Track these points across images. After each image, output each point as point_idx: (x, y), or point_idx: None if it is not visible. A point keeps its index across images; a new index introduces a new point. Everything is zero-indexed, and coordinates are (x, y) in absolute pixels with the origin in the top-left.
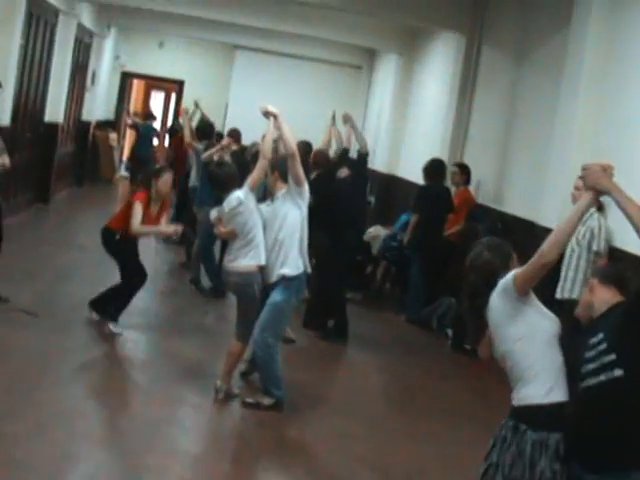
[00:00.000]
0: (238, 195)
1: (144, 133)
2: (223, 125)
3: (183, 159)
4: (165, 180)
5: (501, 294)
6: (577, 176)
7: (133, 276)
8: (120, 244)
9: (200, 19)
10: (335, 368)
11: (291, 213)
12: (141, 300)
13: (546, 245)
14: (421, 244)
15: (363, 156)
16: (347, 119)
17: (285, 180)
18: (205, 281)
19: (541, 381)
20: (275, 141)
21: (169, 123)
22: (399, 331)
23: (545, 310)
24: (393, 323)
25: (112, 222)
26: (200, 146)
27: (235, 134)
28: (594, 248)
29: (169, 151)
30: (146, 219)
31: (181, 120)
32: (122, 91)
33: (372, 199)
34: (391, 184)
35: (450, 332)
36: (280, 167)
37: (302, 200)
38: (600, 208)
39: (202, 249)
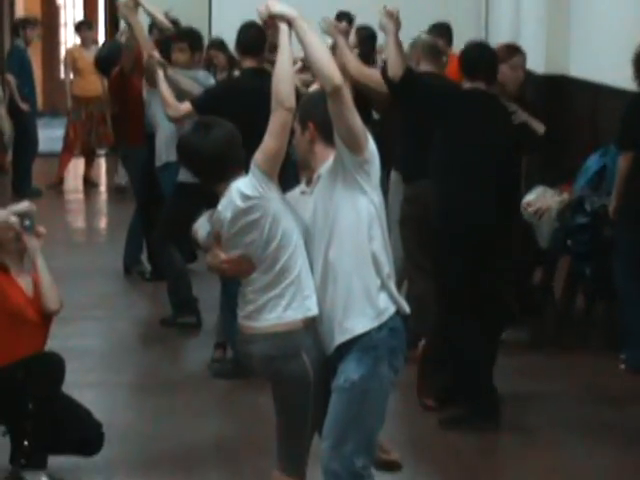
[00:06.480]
0: (240, 189)
1: (17, 59)
2: (209, 31)
3: (138, 110)
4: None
5: None
6: None
7: None
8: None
9: None
10: None
11: (347, 207)
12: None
13: None
14: None
15: None
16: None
17: (330, 142)
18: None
19: None
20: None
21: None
22: (617, 394)
23: None
24: (600, 378)
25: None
26: (177, 71)
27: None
28: None
29: (111, 102)
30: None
31: (120, 35)
32: None
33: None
34: (560, 95)
35: None
36: (316, 116)
37: (367, 177)
38: None
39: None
